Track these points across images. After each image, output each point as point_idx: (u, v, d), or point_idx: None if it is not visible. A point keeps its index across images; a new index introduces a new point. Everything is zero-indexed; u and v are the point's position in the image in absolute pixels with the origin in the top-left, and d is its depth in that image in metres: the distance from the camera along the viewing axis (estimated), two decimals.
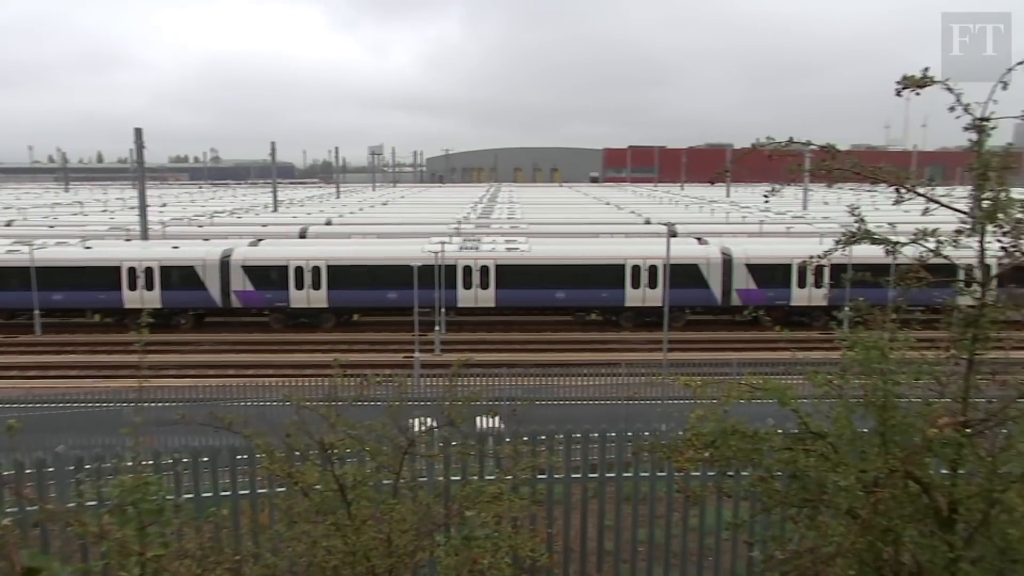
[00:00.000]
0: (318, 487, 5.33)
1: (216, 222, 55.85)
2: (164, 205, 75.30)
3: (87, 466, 7.25)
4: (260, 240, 42.12)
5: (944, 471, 5.53)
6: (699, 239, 41.87)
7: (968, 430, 5.21)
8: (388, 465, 5.53)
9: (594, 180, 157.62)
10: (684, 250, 37.81)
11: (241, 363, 31.55)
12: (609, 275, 36.84)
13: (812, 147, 5.45)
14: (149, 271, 36.40)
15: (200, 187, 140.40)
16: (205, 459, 8.29)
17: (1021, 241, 4.71)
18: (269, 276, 37.00)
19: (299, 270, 36.82)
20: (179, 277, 36.73)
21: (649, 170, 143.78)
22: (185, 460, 8.10)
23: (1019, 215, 4.63)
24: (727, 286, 37.08)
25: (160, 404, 19.90)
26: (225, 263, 36.85)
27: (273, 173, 75.55)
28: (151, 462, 7.02)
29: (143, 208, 42.50)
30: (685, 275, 35.82)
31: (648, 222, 54.79)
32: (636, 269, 36.85)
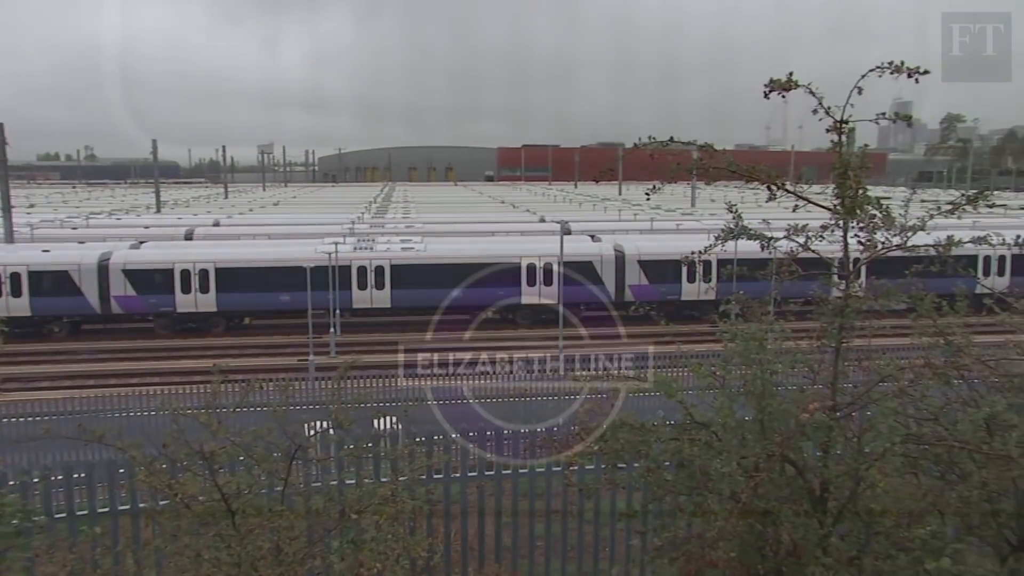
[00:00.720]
0: (201, 498, 5.12)
1: (93, 224, 52.69)
2: (32, 206, 70.44)
3: None
4: (142, 243, 40.09)
5: (817, 453, 5.85)
6: (592, 237, 42.76)
7: (837, 413, 5.53)
8: (276, 472, 5.37)
9: (489, 179, 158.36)
10: (578, 248, 38.55)
11: (123, 372, 29.97)
12: (505, 273, 37.09)
13: (692, 146, 5.65)
14: (16, 277, 34.01)
15: (74, 187, 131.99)
16: (79, 475, 7.83)
17: (875, 235, 5.04)
18: (153, 280, 35.33)
19: (186, 273, 35.33)
20: (51, 283, 34.50)
21: (543, 169, 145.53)
22: (58, 477, 7.62)
23: (873, 211, 4.96)
24: (620, 282, 38.07)
25: (29, 419, 18.64)
26: (103, 267, 34.92)
27: (155, 172, 72.02)
28: (14, 482, 6.55)
29: (7, 208, 39.70)
30: (579, 272, 36.52)
31: (543, 220, 55.49)
32: (531, 267, 37.27)
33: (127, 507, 7.81)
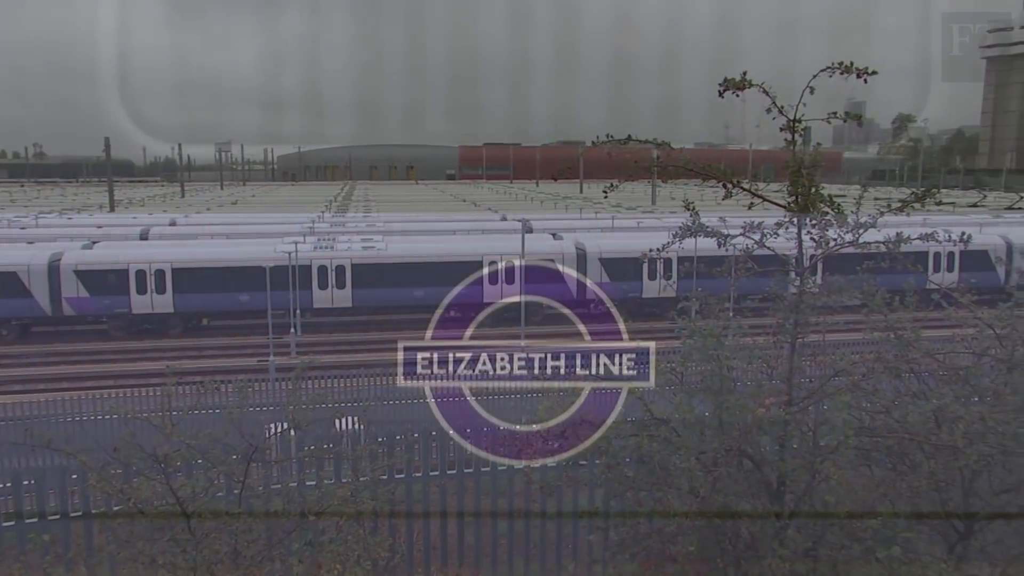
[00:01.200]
0: (156, 502, 5.01)
1: (43, 223, 51.28)
2: None
3: None
4: (95, 243, 39.16)
5: (775, 447, 5.94)
6: (554, 235, 42.89)
7: (793, 408, 5.63)
8: (233, 474, 5.28)
9: (451, 178, 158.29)
10: (540, 246, 38.66)
11: (76, 375, 29.22)
12: (467, 272, 37.01)
13: (650, 144, 5.69)
14: None
15: (22, 185, 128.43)
16: (29, 481, 7.62)
17: (828, 232, 5.14)
18: (107, 281, 34.52)
19: (141, 273, 34.61)
20: None
21: (505, 168, 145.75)
22: (6, 484, 7.40)
23: (825, 208, 5.06)
24: (582, 280, 38.25)
25: None
26: (54, 267, 34.03)
27: (108, 171, 70.51)
28: None
29: None
30: (541, 270, 36.62)
31: (504, 219, 55.49)
32: (493, 265, 37.25)
33: (79, 513, 7.63)
